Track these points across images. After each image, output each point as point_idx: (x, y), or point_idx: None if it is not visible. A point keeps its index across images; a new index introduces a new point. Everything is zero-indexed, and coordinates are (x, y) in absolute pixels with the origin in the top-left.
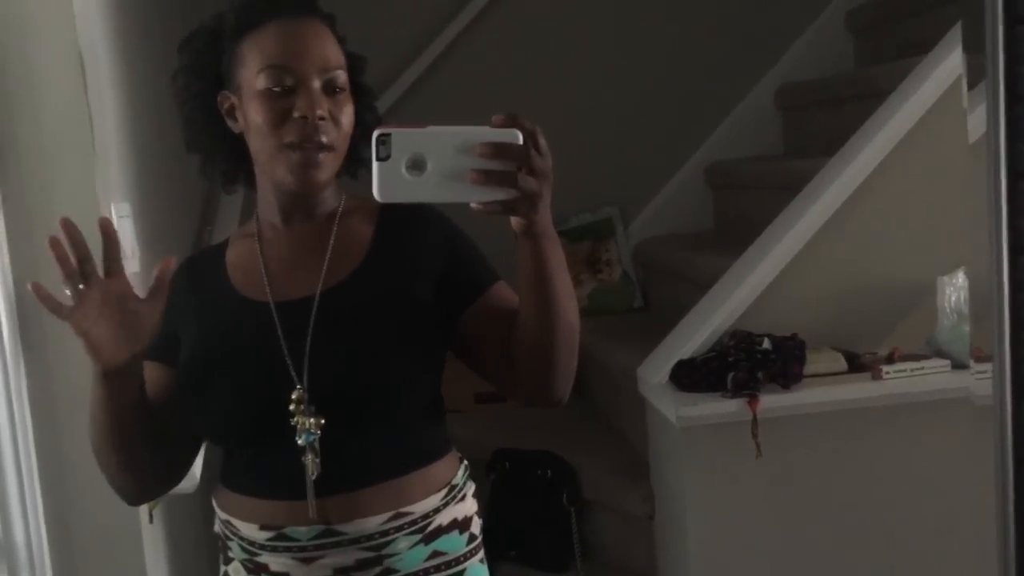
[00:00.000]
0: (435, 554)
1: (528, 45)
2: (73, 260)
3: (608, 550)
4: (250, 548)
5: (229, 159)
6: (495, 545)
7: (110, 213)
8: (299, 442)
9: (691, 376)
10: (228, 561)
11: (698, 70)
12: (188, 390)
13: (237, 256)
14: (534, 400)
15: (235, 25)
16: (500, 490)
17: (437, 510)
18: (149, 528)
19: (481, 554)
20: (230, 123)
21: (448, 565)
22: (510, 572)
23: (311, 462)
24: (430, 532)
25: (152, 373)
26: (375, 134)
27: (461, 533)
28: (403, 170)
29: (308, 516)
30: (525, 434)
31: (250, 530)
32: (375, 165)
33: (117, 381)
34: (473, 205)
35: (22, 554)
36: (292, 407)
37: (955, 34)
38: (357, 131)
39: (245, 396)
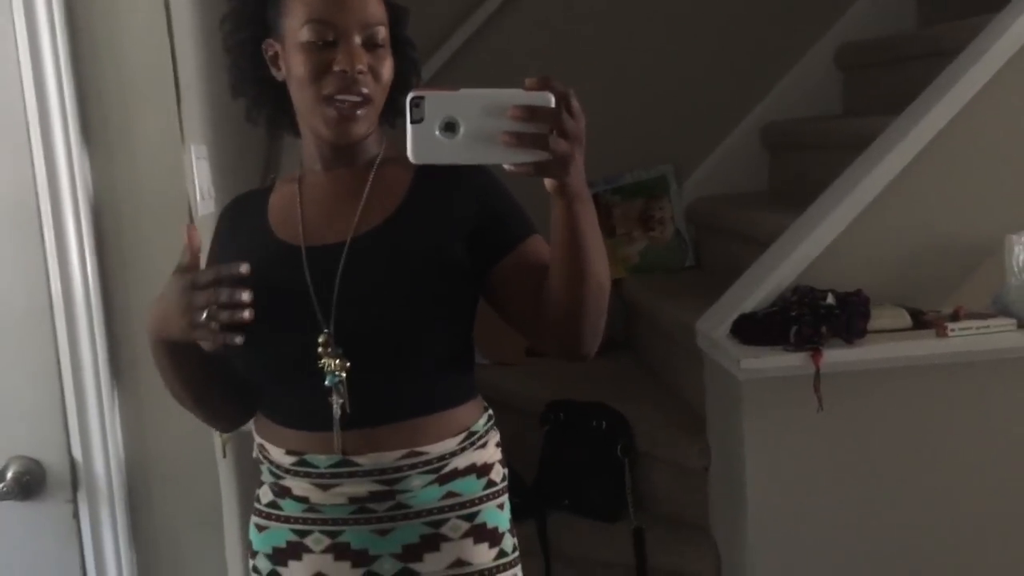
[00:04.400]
0: (450, 495)
1: (584, 5)
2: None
3: (661, 501)
4: (277, 471)
5: (273, 106)
6: (548, 494)
7: (191, 155)
8: (325, 383)
9: (753, 329)
10: (259, 484)
11: (756, 29)
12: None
13: (279, 200)
14: (562, 353)
15: None
16: (554, 440)
17: (454, 453)
18: (223, 462)
19: (501, 500)
20: (274, 71)
21: (463, 506)
22: (563, 520)
23: (336, 402)
24: (445, 474)
25: None
26: (409, 97)
27: (479, 478)
28: (437, 132)
29: (330, 446)
30: (578, 387)
31: (278, 454)
32: (409, 127)
33: (181, 347)
34: (506, 167)
35: (101, 483)
36: (319, 349)
37: None
38: (397, 82)
39: (275, 337)
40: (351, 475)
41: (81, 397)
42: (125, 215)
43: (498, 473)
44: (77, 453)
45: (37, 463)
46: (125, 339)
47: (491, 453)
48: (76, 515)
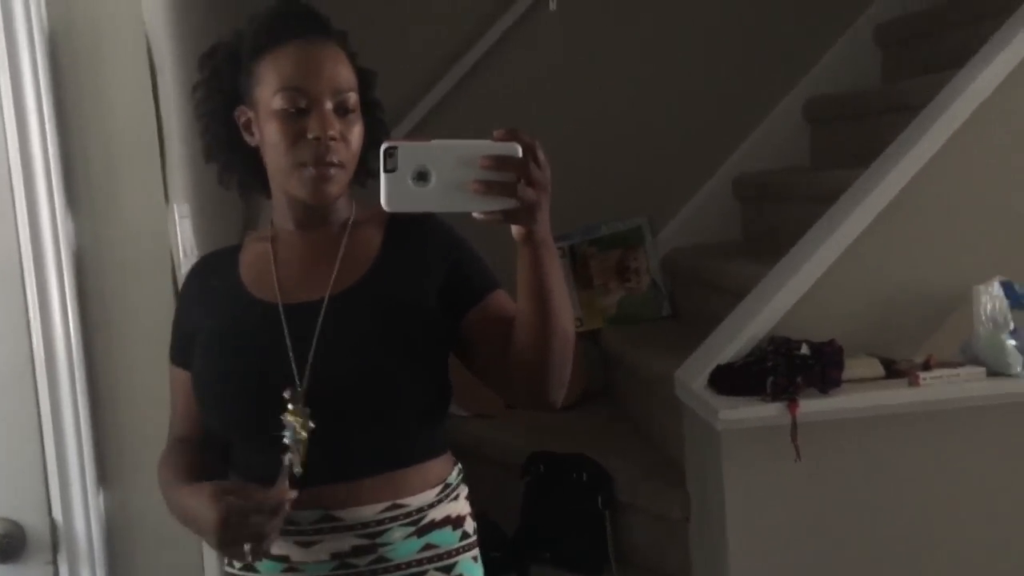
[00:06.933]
0: (428, 547)
1: (560, 56)
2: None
3: (642, 553)
4: None
5: (245, 169)
6: (529, 547)
7: (174, 216)
8: (285, 441)
9: (730, 380)
10: None
11: (726, 83)
12: (197, 382)
13: (251, 257)
14: (530, 402)
15: (253, 45)
16: (534, 493)
17: (431, 505)
18: None
19: (474, 552)
20: (247, 136)
21: (440, 558)
22: (545, 574)
23: (290, 459)
24: (423, 526)
25: (186, 381)
26: (383, 147)
27: (454, 529)
28: (409, 181)
29: (311, 501)
30: (557, 438)
31: None
32: (383, 176)
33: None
34: (475, 214)
35: (82, 545)
36: (289, 405)
37: (995, 43)
38: (366, 143)
39: (247, 392)
40: (333, 530)
41: (62, 458)
42: (108, 274)
43: (470, 525)
44: (58, 515)
45: (17, 525)
46: (107, 400)
47: (463, 505)
48: None
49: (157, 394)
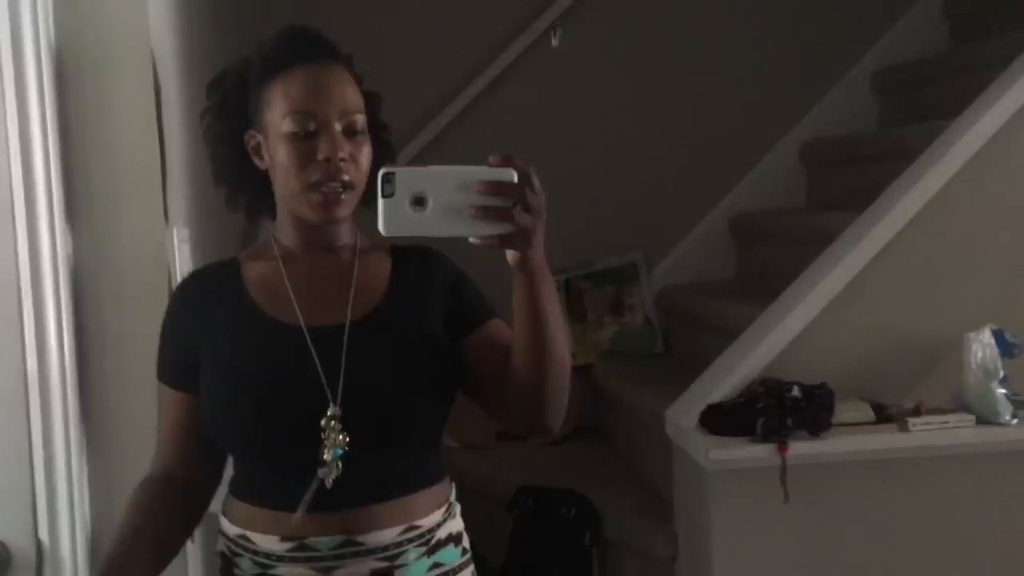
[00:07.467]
0: (436, 565)
1: (561, 92)
2: None
3: None
4: (265, 561)
5: (254, 193)
6: None
7: (173, 239)
8: (325, 457)
9: (721, 420)
10: None
11: (725, 122)
12: (214, 407)
13: (256, 277)
14: (528, 429)
15: (262, 70)
16: (522, 527)
17: (439, 524)
18: (190, 546)
19: (471, 567)
20: (256, 160)
21: (446, 575)
22: None
23: (332, 474)
24: (433, 545)
25: (181, 403)
26: (380, 173)
27: (456, 546)
28: (407, 206)
29: (331, 528)
30: (547, 472)
31: (269, 542)
32: (380, 202)
33: None
34: (472, 239)
35: (67, 566)
36: (325, 423)
37: (991, 93)
38: (374, 165)
39: (280, 414)
40: (355, 555)
41: (51, 479)
42: (105, 293)
43: (466, 540)
44: (44, 535)
45: (3, 545)
46: (99, 421)
47: (460, 522)
48: None
49: (149, 418)
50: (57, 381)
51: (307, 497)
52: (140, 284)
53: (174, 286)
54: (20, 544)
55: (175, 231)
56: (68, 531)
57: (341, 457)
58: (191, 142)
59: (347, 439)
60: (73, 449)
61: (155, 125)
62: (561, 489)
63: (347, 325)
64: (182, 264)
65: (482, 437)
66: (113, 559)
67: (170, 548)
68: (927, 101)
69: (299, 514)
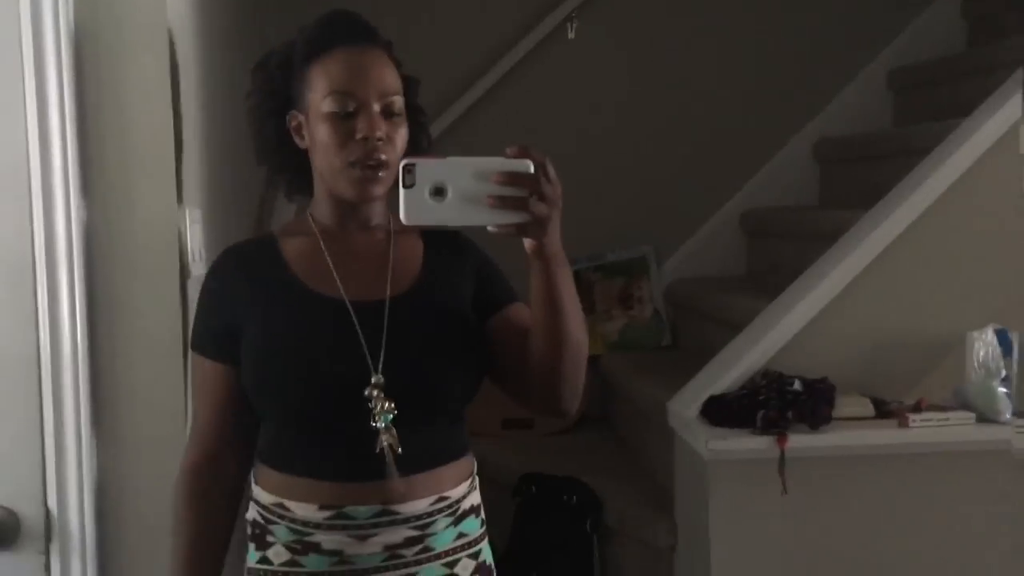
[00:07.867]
0: (460, 535)
1: (576, 84)
2: None
3: None
4: (302, 528)
5: (294, 172)
6: (517, 566)
7: (185, 219)
8: (377, 425)
9: (722, 411)
10: (266, 546)
11: (739, 118)
12: (260, 377)
13: (295, 252)
14: (545, 410)
15: (305, 52)
16: (525, 513)
17: (465, 496)
18: None
19: (487, 540)
20: (297, 140)
21: (469, 545)
22: None
23: (390, 440)
24: (459, 515)
25: (219, 375)
26: (401, 164)
27: (476, 517)
28: (427, 196)
29: (368, 497)
30: (551, 460)
31: (307, 510)
32: (401, 192)
33: None
34: (490, 227)
35: (75, 535)
36: (370, 392)
37: (1001, 94)
38: (409, 146)
39: (325, 383)
40: (390, 523)
41: (61, 448)
42: (118, 270)
43: (483, 512)
44: (52, 504)
45: (12, 513)
46: (109, 394)
47: (478, 494)
48: (48, 567)
49: (158, 392)
50: (68, 353)
51: (389, 462)
52: (152, 261)
53: (185, 266)
54: (29, 512)
55: (188, 212)
56: (76, 500)
57: (392, 422)
58: (207, 122)
59: (393, 405)
60: (83, 419)
61: (171, 104)
62: (564, 477)
63: (387, 300)
64: (194, 244)
65: (487, 425)
66: (184, 567)
67: (228, 538)
68: (942, 101)
69: (393, 479)
